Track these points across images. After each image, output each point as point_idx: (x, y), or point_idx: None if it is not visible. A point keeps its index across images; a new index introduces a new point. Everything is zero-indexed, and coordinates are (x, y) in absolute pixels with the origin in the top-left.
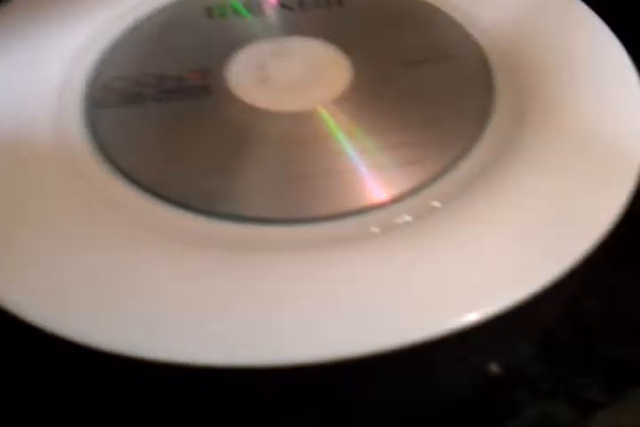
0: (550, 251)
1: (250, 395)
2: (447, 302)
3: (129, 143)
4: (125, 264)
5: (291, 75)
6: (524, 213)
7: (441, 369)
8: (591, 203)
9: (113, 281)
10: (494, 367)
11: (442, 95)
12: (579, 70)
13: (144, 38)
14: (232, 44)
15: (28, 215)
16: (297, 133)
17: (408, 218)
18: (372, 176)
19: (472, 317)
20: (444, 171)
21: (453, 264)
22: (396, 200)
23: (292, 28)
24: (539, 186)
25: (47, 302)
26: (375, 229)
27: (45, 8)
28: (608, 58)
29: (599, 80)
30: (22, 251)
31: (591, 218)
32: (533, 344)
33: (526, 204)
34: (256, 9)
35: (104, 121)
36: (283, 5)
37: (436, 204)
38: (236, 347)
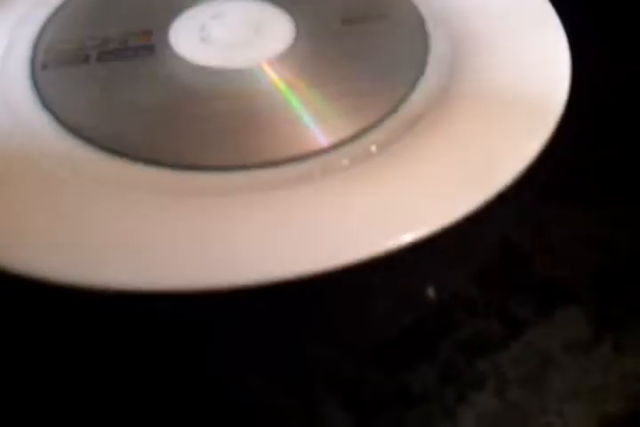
0: (476, 181)
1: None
2: (382, 226)
3: (74, 102)
4: (76, 211)
5: (233, 34)
6: (453, 153)
7: (379, 294)
8: (514, 142)
9: (65, 224)
10: (430, 292)
11: (379, 50)
12: (507, 26)
13: (86, 4)
14: (174, 7)
15: None
16: (240, 89)
17: (346, 162)
18: (312, 125)
19: (405, 238)
20: (381, 119)
21: (386, 195)
22: (335, 146)
23: None
24: (467, 129)
25: None
26: (315, 173)
27: None
28: (533, 10)
29: (525, 32)
30: None
31: (513, 154)
32: (468, 270)
33: (455, 145)
34: None
35: (49, 82)
36: None
37: (373, 149)
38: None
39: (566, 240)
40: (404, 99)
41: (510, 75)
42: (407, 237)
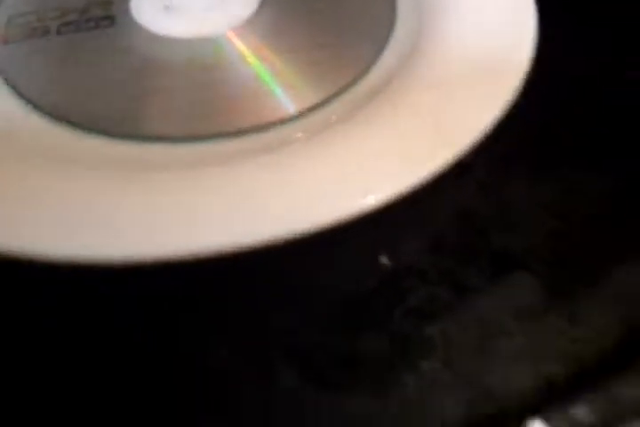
0: (432, 148)
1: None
2: (337, 193)
3: (36, 75)
4: (41, 185)
5: (195, 3)
6: (412, 121)
7: (336, 261)
8: (472, 110)
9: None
10: (384, 260)
11: (345, 17)
12: None
13: None
14: None
15: None
16: (203, 59)
17: (305, 132)
18: (276, 95)
19: (366, 202)
20: (344, 89)
21: (345, 162)
22: (296, 116)
23: None
24: (427, 98)
25: None
26: (274, 143)
27: None
28: None
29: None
30: None
31: (471, 122)
32: (423, 238)
33: (415, 113)
34: None
35: (10, 56)
36: None
37: (334, 118)
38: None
39: (522, 209)
40: (367, 68)
41: (474, 44)
42: (369, 201)
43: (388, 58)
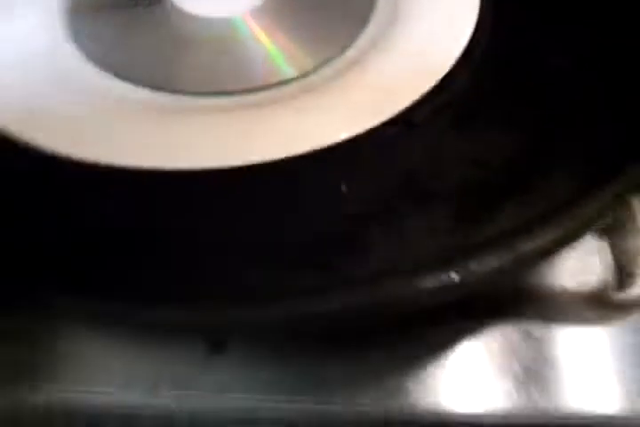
0: (382, 105)
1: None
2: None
3: (100, 40)
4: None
5: None
6: (371, 86)
7: (302, 193)
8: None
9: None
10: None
11: (337, 5)
12: None
13: None
14: None
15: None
16: (224, 33)
17: (297, 90)
18: (276, 62)
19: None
20: (327, 60)
21: (324, 109)
22: (292, 79)
23: None
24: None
25: None
26: (270, 99)
27: None
28: None
29: None
30: None
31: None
32: (363, 183)
33: (375, 81)
34: None
35: (81, 25)
36: None
37: (319, 80)
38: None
39: (449, 158)
40: (346, 45)
41: (423, 29)
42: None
43: (363, 39)
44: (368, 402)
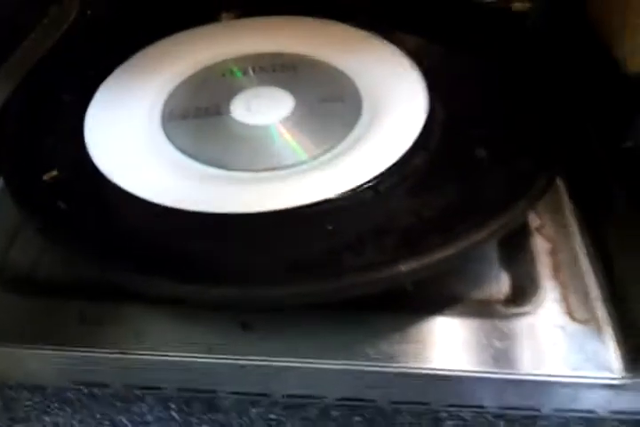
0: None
1: None
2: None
3: (187, 139)
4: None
5: (261, 108)
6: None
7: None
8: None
9: None
10: (329, 227)
11: (337, 116)
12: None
13: (190, 87)
14: (232, 90)
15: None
16: (263, 134)
17: (305, 167)
18: (297, 151)
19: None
20: (325, 152)
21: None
22: (299, 162)
23: (265, 82)
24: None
25: None
26: (284, 175)
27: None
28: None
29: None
30: None
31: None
32: None
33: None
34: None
35: (174, 127)
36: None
37: (316, 164)
38: None
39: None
40: (339, 141)
41: (387, 130)
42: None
43: (351, 136)
44: None
